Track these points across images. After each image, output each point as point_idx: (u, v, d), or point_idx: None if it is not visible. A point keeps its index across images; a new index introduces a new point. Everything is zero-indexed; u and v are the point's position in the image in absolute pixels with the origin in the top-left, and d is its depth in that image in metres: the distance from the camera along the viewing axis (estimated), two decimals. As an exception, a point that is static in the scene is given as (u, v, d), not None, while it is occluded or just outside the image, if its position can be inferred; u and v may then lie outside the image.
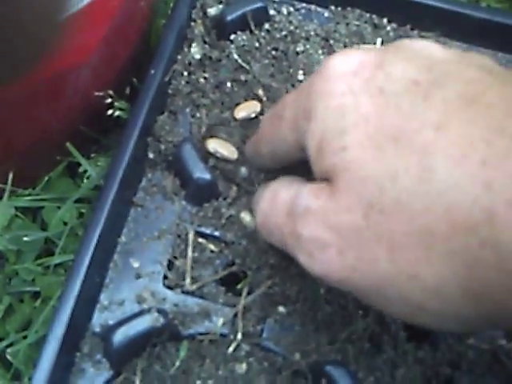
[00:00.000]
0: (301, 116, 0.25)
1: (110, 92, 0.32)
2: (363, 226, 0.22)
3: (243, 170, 0.32)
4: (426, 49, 0.24)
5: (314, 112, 0.24)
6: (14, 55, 0.24)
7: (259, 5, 0.34)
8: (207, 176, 0.31)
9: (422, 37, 0.35)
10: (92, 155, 0.34)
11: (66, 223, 0.33)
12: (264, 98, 0.33)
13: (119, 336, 0.28)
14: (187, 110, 0.33)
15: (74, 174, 0.35)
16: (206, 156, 0.32)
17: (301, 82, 0.33)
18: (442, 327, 0.23)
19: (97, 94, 0.32)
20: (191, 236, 0.31)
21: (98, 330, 0.29)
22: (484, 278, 0.20)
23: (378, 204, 0.21)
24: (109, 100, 0.33)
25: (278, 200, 0.26)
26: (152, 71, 0.32)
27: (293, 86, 0.33)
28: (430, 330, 0.23)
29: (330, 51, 0.34)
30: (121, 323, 0.29)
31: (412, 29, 0.36)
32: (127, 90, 0.33)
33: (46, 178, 0.34)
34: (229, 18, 0.34)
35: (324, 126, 0.23)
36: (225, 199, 0.31)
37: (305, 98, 0.25)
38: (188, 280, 0.30)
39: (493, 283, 0.20)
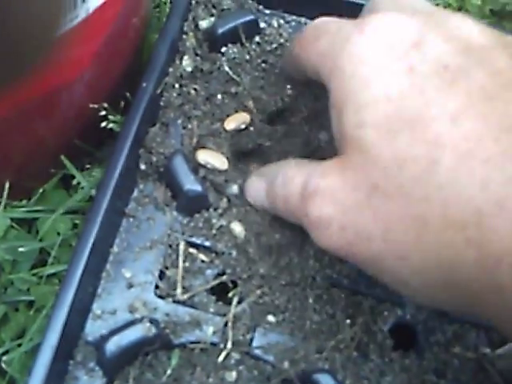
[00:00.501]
0: (331, 56, 0.25)
1: (105, 105, 0.33)
2: (365, 205, 0.23)
3: (233, 181, 0.32)
4: (466, 28, 0.23)
5: (342, 69, 0.24)
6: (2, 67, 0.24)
7: (250, 18, 0.35)
8: (198, 188, 0.31)
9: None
10: (87, 166, 0.35)
11: (59, 234, 0.34)
12: (254, 110, 0.34)
13: (112, 345, 0.29)
14: (179, 121, 0.33)
15: (68, 185, 0.35)
16: (197, 167, 0.32)
17: (289, 96, 0.34)
18: (423, 303, 0.24)
19: (91, 106, 0.32)
20: (182, 246, 0.31)
21: (90, 338, 0.30)
22: (465, 273, 0.21)
23: (382, 187, 0.22)
24: (103, 113, 0.33)
25: (293, 186, 0.27)
26: (144, 84, 0.32)
27: (281, 99, 0.34)
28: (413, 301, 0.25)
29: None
30: (113, 332, 0.29)
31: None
32: (121, 104, 0.34)
33: (41, 190, 0.34)
34: (220, 30, 0.34)
35: (347, 92, 0.24)
36: (215, 210, 0.32)
37: (340, 44, 0.25)
38: (179, 290, 0.31)
39: (472, 279, 0.20)
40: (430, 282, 0.22)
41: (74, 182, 0.34)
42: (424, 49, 0.23)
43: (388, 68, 0.23)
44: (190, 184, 0.31)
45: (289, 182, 0.27)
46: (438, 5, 0.43)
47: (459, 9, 0.42)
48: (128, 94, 0.33)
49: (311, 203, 0.25)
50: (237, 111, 0.34)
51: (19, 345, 0.32)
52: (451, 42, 0.23)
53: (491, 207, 0.20)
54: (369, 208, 0.23)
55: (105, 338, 0.29)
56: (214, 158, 0.32)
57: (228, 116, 0.33)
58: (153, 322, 0.30)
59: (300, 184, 0.26)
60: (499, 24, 0.42)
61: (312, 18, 0.36)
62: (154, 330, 0.29)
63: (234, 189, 0.32)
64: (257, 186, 0.30)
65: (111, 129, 0.33)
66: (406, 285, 0.23)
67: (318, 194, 0.24)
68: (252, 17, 0.35)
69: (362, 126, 0.23)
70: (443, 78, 0.22)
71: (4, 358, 0.32)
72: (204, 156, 0.32)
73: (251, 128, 0.33)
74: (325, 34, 0.26)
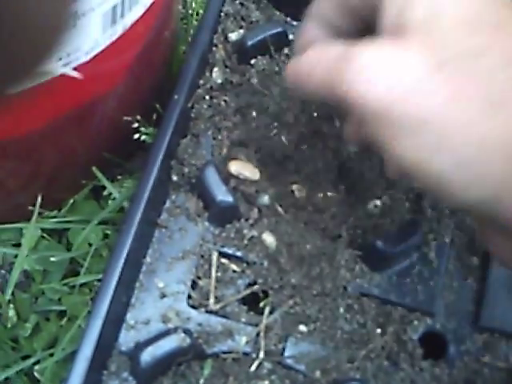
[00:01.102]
0: None
1: (138, 117, 0.33)
2: (428, 76, 0.22)
3: (264, 191, 0.33)
4: None
5: None
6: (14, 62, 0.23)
7: (279, 29, 0.35)
8: (229, 198, 0.31)
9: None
10: (118, 177, 0.35)
11: (90, 244, 0.34)
12: (284, 122, 0.34)
13: (146, 355, 0.29)
14: (209, 132, 0.34)
15: (98, 196, 0.36)
16: (228, 177, 0.33)
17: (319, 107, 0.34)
18: (466, 185, 0.22)
19: (125, 118, 0.32)
20: (214, 256, 0.32)
21: (124, 349, 0.30)
22: None
23: (454, 63, 0.22)
24: (135, 125, 0.33)
25: (329, 52, 0.25)
26: (175, 96, 0.32)
27: (312, 110, 0.34)
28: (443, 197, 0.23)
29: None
30: (147, 343, 0.30)
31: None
32: (153, 116, 0.34)
33: (72, 201, 0.35)
34: (249, 42, 0.34)
35: None
36: (246, 220, 0.32)
37: None
38: (211, 300, 0.31)
39: None
40: (496, 158, 0.21)
41: (105, 192, 0.34)
42: None
43: None
44: (222, 195, 0.31)
45: (323, 49, 0.25)
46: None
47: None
48: (158, 106, 0.34)
49: (355, 72, 0.23)
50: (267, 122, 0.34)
51: (51, 354, 0.33)
52: None
53: None
54: (432, 79, 0.22)
55: (139, 348, 0.29)
56: (245, 169, 0.32)
57: (258, 127, 0.34)
58: (186, 332, 0.30)
59: (342, 51, 0.24)
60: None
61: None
62: (188, 341, 0.30)
63: (265, 199, 0.32)
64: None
65: (142, 140, 0.34)
66: (466, 168, 0.22)
67: (367, 65, 0.23)
68: (281, 29, 0.35)
69: (438, 16, 0.22)
70: None
71: (36, 367, 0.32)
72: (236, 167, 0.32)
73: (282, 138, 0.34)
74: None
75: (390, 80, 0.22)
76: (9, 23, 0.20)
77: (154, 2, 0.29)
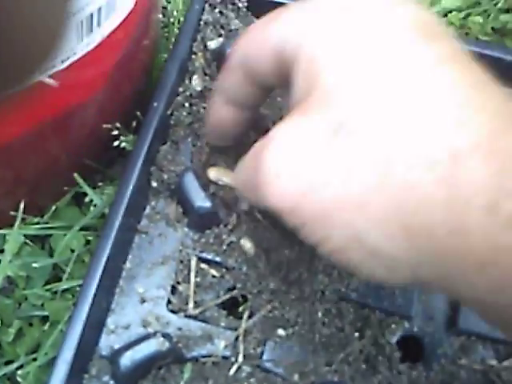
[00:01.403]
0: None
1: (117, 124, 0.34)
2: (325, 146, 0.21)
3: (243, 197, 0.33)
4: None
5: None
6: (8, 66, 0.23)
7: (257, 37, 0.36)
8: (208, 204, 0.32)
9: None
10: (99, 184, 0.36)
11: (73, 250, 0.35)
12: (263, 128, 0.34)
13: (126, 359, 0.29)
14: (189, 139, 0.34)
15: (80, 203, 0.36)
16: (207, 183, 0.33)
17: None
18: (369, 268, 0.21)
19: (105, 126, 0.33)
20: (194, 262, 0.32)
21: (105, 353, 0.30)
22: (431, 216, 0.19)
23: (349, 125, 0.21)
24: (115, 132, 0.34)
25: (249, 154, 0.24)
26: (155, 103, 0.33)
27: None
28: (354, 271, 0.22)
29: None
30: (127, 347, 0.30)
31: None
32: (133, 124, 0.34)
33: (54, 207, 0.35)
34: (228, 50, 0.35)
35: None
36: (225, 226, 0.33)
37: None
38: (191, 304, 0.31)
39: (438, 222, 0.19)
40: (390, 231, 0.20)
41: (87, 199, 0.35)
42: None
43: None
44: (201, 201, 0.32)
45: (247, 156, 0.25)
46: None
47: (461, 27, 0.43)
48: (139, 113, 0.34)
49: (264, 153, 0.22)
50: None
51: (34, 359, 0.33)
52: None
53: (467, 148, 0.19)
54: (330, 149, 0.21)
55: (119, 353, 0.30)
56: (224, 175, 0.33)
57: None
58: (165, 336, 0.30)
59: (254, 148, 0.24)
60: (501, 41, 0.43)
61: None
62: (167, 345, 0.30)
63: (244, 205, 0.33)
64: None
65: (122, 147, 0.34)
66: (361, 242, 0.21)
67: (271, 142, 0.22)
68: (259, 36, 0.35)
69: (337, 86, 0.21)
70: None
71: (19, 372, 0.33)
72: (215, 173, 0.33)
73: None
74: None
75: (288, 174, 0.22)
76: (6, 27, 0.20)
77: (132, 11, 0.30)
